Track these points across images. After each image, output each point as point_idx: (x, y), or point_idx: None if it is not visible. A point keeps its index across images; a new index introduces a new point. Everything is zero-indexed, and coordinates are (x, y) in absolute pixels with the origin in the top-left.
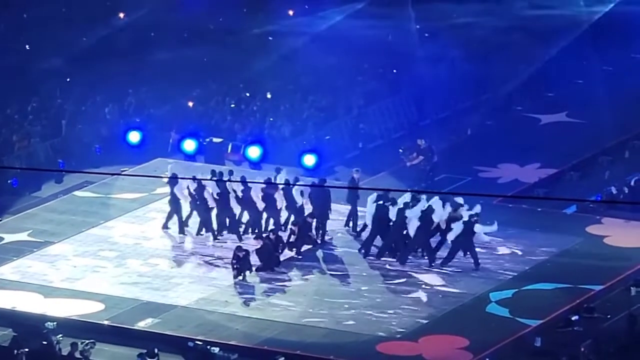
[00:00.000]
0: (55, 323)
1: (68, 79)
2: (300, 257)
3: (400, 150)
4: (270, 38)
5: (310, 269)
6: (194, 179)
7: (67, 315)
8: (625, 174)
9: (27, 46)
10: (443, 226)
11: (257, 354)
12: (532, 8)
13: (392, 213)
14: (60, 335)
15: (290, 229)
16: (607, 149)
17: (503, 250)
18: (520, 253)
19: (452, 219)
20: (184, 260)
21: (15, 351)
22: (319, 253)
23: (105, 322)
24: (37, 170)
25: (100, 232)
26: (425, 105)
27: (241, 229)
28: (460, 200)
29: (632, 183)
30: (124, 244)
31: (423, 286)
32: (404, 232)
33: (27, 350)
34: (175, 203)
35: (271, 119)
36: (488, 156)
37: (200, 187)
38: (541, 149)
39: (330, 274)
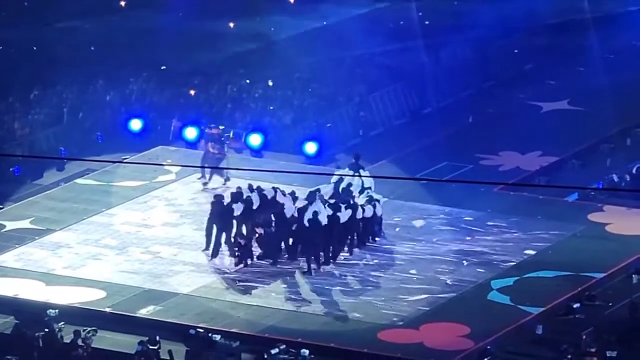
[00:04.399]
0: (57, 310)
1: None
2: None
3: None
4: (272, 29)
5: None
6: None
7: (69, 303)
8: (627, 161)
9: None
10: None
11: (258, 341)
12: None
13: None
14: (62, 323)
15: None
16: (608, 137)
17: (504, 237)
18: (521, 241)
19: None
20: (186, 247)
21: (36, 334)
22: None
23: (107, 310)
24: (39, 158)
25: (102, 219)
26: (426, 93)
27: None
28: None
29: (634, 171)
30: (126, 231)
31: (423, 274)
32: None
33: (43, 333)
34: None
35: (271, 107)
36: (489, 144)
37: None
38: (543, 136)
39: (332, 262)
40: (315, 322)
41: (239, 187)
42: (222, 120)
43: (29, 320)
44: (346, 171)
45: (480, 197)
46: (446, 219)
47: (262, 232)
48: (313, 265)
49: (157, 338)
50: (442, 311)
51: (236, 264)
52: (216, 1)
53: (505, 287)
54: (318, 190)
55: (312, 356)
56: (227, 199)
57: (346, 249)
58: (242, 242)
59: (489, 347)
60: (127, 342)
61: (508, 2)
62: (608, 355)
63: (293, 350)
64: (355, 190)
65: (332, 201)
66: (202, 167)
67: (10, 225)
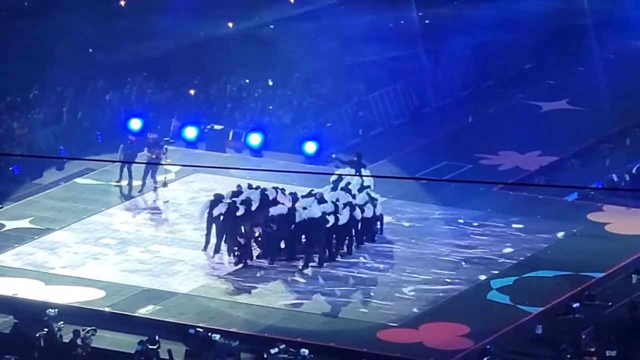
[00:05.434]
0: (56, 310)
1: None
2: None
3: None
4: (271, 27)
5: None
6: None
7: (68, 302)
8: (626, 161)
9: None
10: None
11: (258, 341)
12: None
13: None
14: (62, 322)
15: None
16: (608, 137)
17: (504, 237)
18: (521, 240)
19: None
20: (185, 247)
21: (36, 333)
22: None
23: (107, 309)
24: (38, 158)
25: (101, 219)
26: (426, 93)
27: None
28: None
29: (634, 170)
30: (125, 231)
31: (423, 273)
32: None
33: (42, 333)
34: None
35: (271, 107)
36: (489, 143)
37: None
38: (542, 136)
39: (331, 262)
40: (314, 321)
41: (239, 187)
42: (222, 120)
43: (28, 319)
44: (346, 170)
45: (479, 196)
46: (445, 218)
47: (262, 231)
48: (312, 264)
49: (157, 337)
50: (441, 311)
51: (236, 264)
52: (216, 1)
53: (504, 287)
54: (313, 190)
55: (312, 356)
56: (227, 199)
57: (345, 248)
58: (242, 241)
59: (488, 346)
60: (127, 342)
61: (508, 2)
62: (607, 354)
63: (292, 350)
64: (354, 189)
65: (331, 200)
66: (203, 166)
67: (9, 225)
